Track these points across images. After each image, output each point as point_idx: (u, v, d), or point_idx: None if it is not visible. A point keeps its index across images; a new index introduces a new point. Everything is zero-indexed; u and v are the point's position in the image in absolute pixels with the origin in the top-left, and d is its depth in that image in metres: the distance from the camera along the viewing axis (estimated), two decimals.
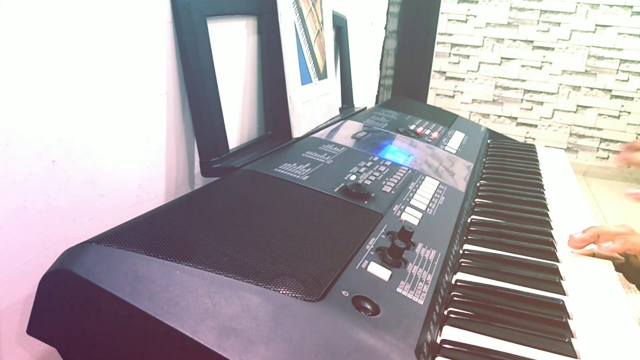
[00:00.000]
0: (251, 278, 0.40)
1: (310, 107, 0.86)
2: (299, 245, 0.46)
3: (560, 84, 2.77)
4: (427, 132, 1.01)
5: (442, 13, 2.76)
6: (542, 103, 2.83)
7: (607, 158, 2.84)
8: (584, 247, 0.64)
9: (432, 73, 2.86)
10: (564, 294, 0.53)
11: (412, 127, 1.01)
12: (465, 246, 0.62)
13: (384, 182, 0.67)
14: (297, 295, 0.39)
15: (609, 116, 2.76)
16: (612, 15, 2.61)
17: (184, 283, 0.38)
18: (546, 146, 1.18)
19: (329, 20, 0.98)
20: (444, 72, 2.93)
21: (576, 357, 0.44)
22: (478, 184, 0.86)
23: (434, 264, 0.52)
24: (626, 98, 2.71)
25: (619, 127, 2.77)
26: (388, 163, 0.75)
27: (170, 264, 0.39)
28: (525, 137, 2.92)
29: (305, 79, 0.84)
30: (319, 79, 0.91)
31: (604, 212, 0.75)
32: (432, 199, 0.68)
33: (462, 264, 0.57)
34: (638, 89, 2.68)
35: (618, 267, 0.64)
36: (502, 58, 2.82)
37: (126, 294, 0.36)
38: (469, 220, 0.70)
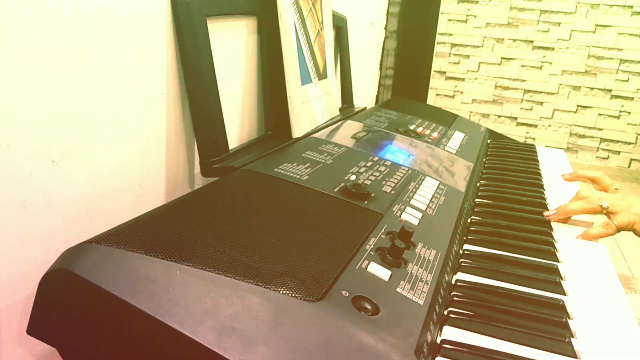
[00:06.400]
0: (251, 278, 0.40)
1: (310, 107, 0.86)
2: (299, 245, 0.46)
3: (560, 84, 2.77)
4: (427, 132, 1.01)
5: (442, 13, 2.75)
6: (542, 103, 2.83)
7: (607, 158, 2.84)
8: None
9: (432, 73, 2.86)
10: (564, 294, 0.53)
11: (412, 127, 1.01)
12: (465, 246, 0.62)
13: (384, 182, 0.67)
14: (297, 295, 0.39)
15: (609, 116, 2.76)
16: (612, 15, 2.61)
17: (184, 283, 0.38)
18: (546, 146, 1.18)
19: (329, 20, 0.98)
20: (444, 72, 2.93)
21: (576, 357, 0.44)
22: (478, 184, 0.86)
23: (434, 264, 0.52)
24: (626, 98, 2.71)
25: (619, 127, 2.77)
26: (388, 163, 0.75)
27: (170, 264, 0.39)
28: (525, 137, 2.92)
29: (305, 79, 0.84)
30: (319, 79, 0.90)
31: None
32: (432, 199, 0.68)
33: (462, 264, 0.57)
34: (638, 89, 2.68)
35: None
36: (502, 58, 2.82)
37: (126, 294, 0.36)
38: (469, 220, 0.70)
